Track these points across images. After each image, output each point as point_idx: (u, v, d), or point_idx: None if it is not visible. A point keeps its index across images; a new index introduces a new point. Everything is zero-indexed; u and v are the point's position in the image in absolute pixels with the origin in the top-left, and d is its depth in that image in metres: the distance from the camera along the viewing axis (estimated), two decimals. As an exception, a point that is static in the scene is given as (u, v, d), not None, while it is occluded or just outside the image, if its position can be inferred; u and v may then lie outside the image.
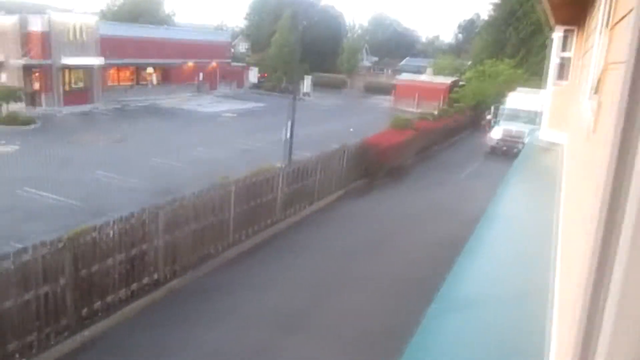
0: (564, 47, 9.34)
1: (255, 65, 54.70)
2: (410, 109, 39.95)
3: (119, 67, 37.69)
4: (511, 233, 5.27)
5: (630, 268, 0.73)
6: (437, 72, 50.43)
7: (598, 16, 4.15)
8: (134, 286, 9.48)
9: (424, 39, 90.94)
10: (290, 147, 16.65)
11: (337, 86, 58.61)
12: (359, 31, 66.38)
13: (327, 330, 9.11)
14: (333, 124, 31.71)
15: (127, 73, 39.15)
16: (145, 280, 9.71)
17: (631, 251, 0.74)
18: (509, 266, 4.21)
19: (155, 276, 9.93)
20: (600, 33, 3.65)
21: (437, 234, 13.52)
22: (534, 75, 34.79)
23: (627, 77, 0.70)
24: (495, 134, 25.86)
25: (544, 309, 2.99)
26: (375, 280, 11.02)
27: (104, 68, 34.05)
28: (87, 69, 32.25)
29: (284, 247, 12.93)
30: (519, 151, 12.50)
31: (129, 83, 39.06)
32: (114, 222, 8.92)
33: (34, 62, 29.68)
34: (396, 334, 4.91)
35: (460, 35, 78.64)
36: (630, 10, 1.60)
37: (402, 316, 6.74)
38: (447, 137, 29.15)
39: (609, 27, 2.77)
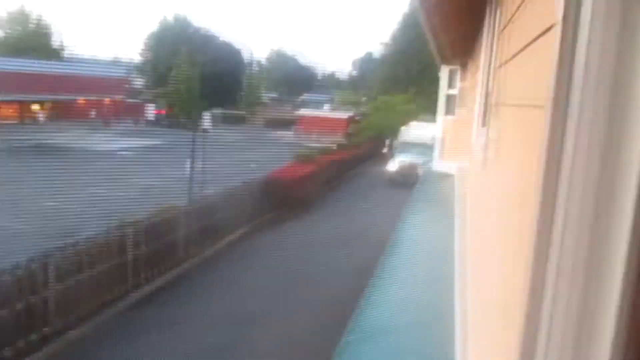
0: (450, 84, 10.07)
1: (152, 101, 53.20)
2: (312, 143, 40.73)
3: (1, 104, 35.02)
4: (415, 259, 5.48)
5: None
6: (336, 107, 52.09)
7: (480, 57, 4.53)
8: (22, 343, 8.63)
9: (320, 76, 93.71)
10: (191, 185, 16.26)
11: (237, 121, 58.33)
12: (258, 67, 67.13)
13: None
14: (235, 158, 31.46)
15: (11, 110, 36.44)
16: (34, 337, 8.88)
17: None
18: (416, 291, 4.36)
19: (47, 330, 9.12)
20: (484, 72, 3.99)
21: (347, 260, 13.72)
22: (426, 109, 37.01)
23: (547, 117, 0.77)
24: (392, 166, 27.01)
25: (451, 331, 3.12)
26: (289, 312, 10.92)
27: (-17, 105, 31.48)
28: (-37, 107, 29.59)
29: (187, 290, 12.45)
30: (415, 182, 13.14)
31: (14, 121, 36.33)
32: (-4, 273, 8.13)
33: None
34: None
35: (354, 72, 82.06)
36: (514, 55, 1.78)
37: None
38: (348, 169, 29.99)
39: (492, 68, 3.03)
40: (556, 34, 0.77)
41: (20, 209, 17.56)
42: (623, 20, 0.67)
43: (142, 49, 66.92)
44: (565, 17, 0.74)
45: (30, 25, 48.70)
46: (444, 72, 10.19)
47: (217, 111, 54.12)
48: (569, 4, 0.73)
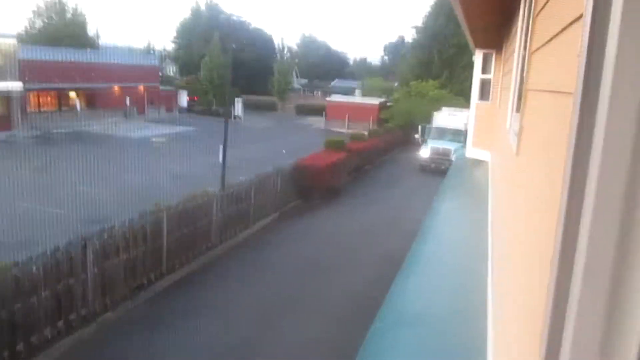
0: (485, 69, 9.85)
1: (184, 88, 53.88)
2: (342, 130, 40.64)
3: (40, 92, 35.98)
4: (447, 248, 5.44)
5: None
6: (366, 93, 51.77)
7: (515, 42, 4.42)
8: (61, 324, 8.95)
9: (352, 61, 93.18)
10: (224, 171, 16.45)
11: (268, 108, 58.76)
12: (289, 54, 67.12)
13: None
14: (266, 146, 31.68)
15: (49, 98, 37.44)
16: (73, 317, 9.19)
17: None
18: (447, 281, 4.33)
19: (84, 311, 9.42)
20: (519, 58, 3.90)
21: (375, 249, 13.73)
22: (459, 94, 36.49)
23: (576, 106, 0.75)
24: (424, 152, 26.76)
25: (482, 323, 3.10)
26: (319, 300, 11.00)
27: (25, 93, 32.39)
28: (5, 94, 30.53)
29: (220, 273, 12.67)
30: (447, 168, 12.99)
31: (52, 108, 37.34)
32: (37, 257, 8.42)
33: (-56, 87, 27.83)
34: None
35: (386, 58, 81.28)
36: (549, 40, 1.73)
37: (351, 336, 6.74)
38: (378, 156, 29.84)
39: (527, 54, 2.96)
40: (586, 18, 0.75)
41: (59, 194, 18.10)
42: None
43: (175, 37, 67.77)
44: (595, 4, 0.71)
45: (67, 15, 49.66)
46: (478, 57, 9.98)
47: (249, 97, 54.55)
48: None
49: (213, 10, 65.84)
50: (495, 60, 9.37)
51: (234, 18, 65.32)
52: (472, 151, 10.27)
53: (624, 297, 0.66)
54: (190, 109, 51.22)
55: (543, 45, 2.03)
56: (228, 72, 27.94)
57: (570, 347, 0.70)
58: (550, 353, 0.76)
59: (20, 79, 30.99)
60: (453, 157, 21.38)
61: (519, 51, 3.89)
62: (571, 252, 0.72)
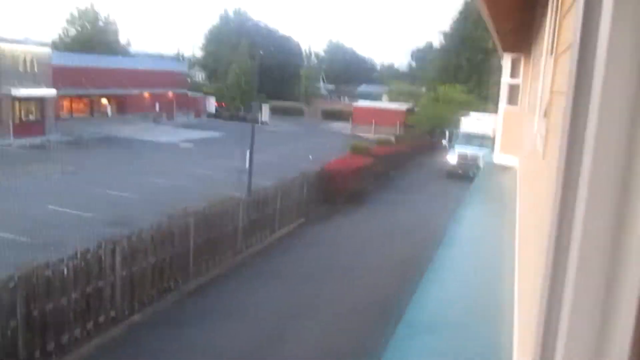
0: (513, 73, 9.72)
1: (212, 94, 54.62)
2: (368, 135, 40.56)
3: (73, 98, 36.93)
4: (473, 254, 5.36)
5: (579, 286, 0.76)
6: (393, 98, 51.56)
7: (543, 45, 4.35)
8: (90, 325, 9.12)
9: (379, 67, 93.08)
10: (250, 176, 16.58)
11: (295, 113, 59.10)
12: (316, 59, 67.44)
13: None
14: (292, 150, 31.83)
15: (81, 104, 38.39)
16: (102, 318, 9.35)
17: (578, 272, 0.76)
18: (472, 288, 4.27)
19: (113, 313, 9.58)
20: (547, 61, 3.83)
21: (399, 255, 13.62)
22: (486, 99, 36.05)
23: (568, 105, 0.74)
24: (451, 158, 26.50)
25: (508, 331, 3.04)
26: (343, 304, 10.97)
27: (57, 99, 33.29)
28: (39, 100, 31.43)
29: (246, 277, 12.74)
30: (475, 174, 12.83)
31: (84, 114, 38.28)
32: (68, 258, 8.61)
33: (-18, 94, 28.77)
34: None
35: (413, 63, 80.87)
36: (571, 44, 1.69)
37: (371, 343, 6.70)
38: (405, 162, 29.67)
39: (554, 56, 2.90)
40: (577, 19, 0.74)
41: (90, 197, 18.50)
42: None
43: (204, 44, 68.78)
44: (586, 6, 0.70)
45: (100, 23, 50.90)
46: (505, 61, 9.85)
47: (276, 103, 54.96)
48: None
49: (241, 17, 66.65)
50: (524, 64, 9.23)
51: (262, 25, 65.97)
52: (500, 157, 10.12)
53: (616, 296, 0.65)
54: (218, 114, 51.87)
55: (569, 47, 1.99)
56: (255, 78, 28.19)
57: (563, 350, 0.69)
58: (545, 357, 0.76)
59: (53, 85, 31.86)
60: (481, 163, 21.12)
61: (546, 54, 3.82)
62: (564, 252, 0.71)
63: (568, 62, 2.01)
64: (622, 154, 0.64)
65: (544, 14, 4.61)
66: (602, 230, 0.66)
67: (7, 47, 29.87)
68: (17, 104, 30.43)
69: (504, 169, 9.42)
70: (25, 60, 30.39)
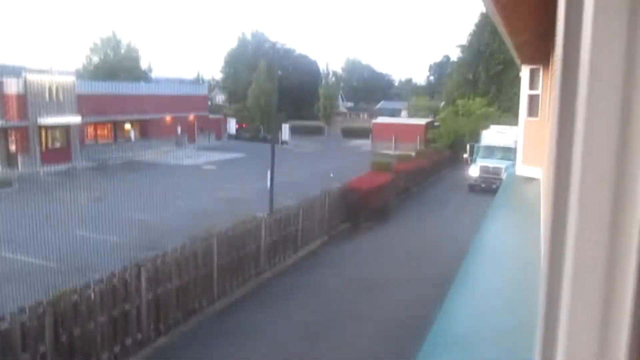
0: (532, 85, 9.64)
1: (233, 116, 55.26)
2: (389, 151, 40.50)
3: (97, 124, 37.74)
4: (497, 268, 5.29)
5: (576, 287, 0.77)
6: (412, 113, 51.55)
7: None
8: (117, 348, 9.19)
9: (397, 82, 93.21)
10: (272, 196, 16.64)
11: (314, 132, 59.39)
12: (334, 78, 67.86)
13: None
14: (313, 169, 31.92)
15: (105, 130, 39.19)
16: (129, 341, 9.42)
17: (574, 273, 0.77)
18: (498, 302, 4.21)
19: (139, 336, 9.65)
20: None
21: (426, 273, 13.46)
22: (507, 111, 35.76)
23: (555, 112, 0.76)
24: (473, 171, 26.25)
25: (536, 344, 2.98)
26: (369, 322, 10.87)
27: (82, 125, 34.08)
28: (65, 128, 32.22)
29: (270, 296, 12.73)
30: (497, 187, 12.69)
31: (108, 139, 39.06)
32: (94, 283, 8.72)
33: (11, 123, 29.60)
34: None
35: (432, 77, 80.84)
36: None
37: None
38: (426, 177, 29.49)
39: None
40: (559, 30, 0.74)
41: (115, 222, 18.76)
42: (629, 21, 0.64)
43: (223, 66, 69.87)
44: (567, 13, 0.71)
45: (122, 51, 52.10)
46: (524, 72, 9.79)
47: (296, 122, 55.36)
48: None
49: (259, 38, 67.59)
50: (543, 75, 9.16)
51: (279, 45, 66.78)
52: (522, 169, 10.01)
53: (612, 296, 0.65)
54: (238, 135, 52.39)
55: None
56: (274, 98, 28.47)
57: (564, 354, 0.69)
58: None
59: (78, 113, 32.64)
60: (503, 176, 20.87)
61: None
62: (560, 256, 0.71)
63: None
64: (613, 156, 0.65)
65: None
66: (597, 233, 0.67)
67: (33, 77, 30.79)
68: (44, 132, 31.24)
69: (527, 180, 9.30)
70: (51, 90, 31.25)
